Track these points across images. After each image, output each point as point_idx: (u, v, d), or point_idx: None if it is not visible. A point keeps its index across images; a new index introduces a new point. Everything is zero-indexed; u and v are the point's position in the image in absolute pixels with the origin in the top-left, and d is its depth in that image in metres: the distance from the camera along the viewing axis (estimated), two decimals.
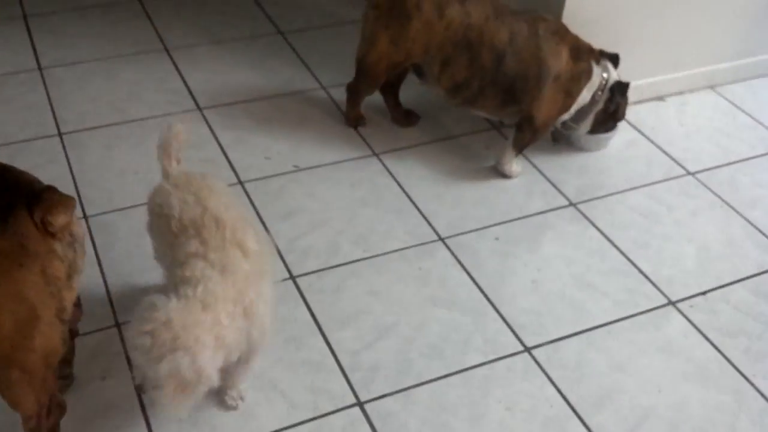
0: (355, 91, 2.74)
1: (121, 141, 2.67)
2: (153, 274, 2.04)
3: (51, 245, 1.48)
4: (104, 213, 2.38)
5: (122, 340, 1.99)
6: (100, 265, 2.21)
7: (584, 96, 2.53)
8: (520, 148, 2.61)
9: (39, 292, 1.48)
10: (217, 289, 1.58)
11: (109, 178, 2.51)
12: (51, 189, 1.53)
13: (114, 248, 2.26)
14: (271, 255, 1.86)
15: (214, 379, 1.56)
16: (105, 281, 2.16)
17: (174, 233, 1.70)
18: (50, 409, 1.62)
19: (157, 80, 2.98)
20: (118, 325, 2.04)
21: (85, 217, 2.35)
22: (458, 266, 2.30)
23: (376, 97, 2.75)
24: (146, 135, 2.69)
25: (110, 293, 2.13)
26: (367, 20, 2.56)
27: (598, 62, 2.53)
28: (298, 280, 2.22)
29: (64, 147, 2.62)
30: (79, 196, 2.42)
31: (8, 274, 1.43)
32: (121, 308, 2.09)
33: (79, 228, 1.60)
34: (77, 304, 1.76)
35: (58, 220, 1.47)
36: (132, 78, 2.98)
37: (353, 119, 2.81)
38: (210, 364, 1.53)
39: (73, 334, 1.86)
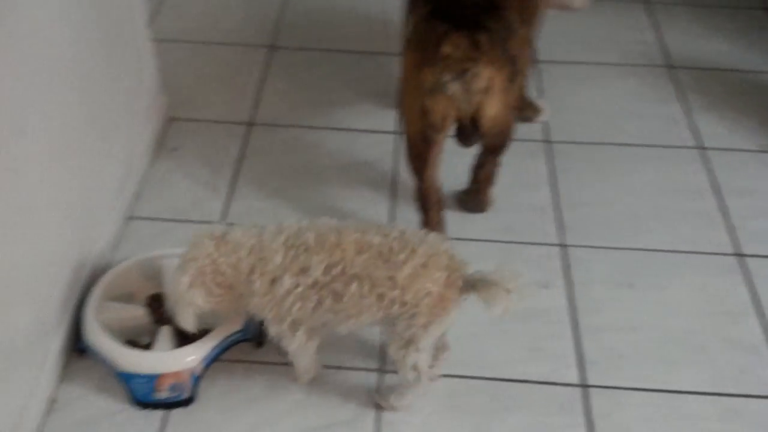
0: None
1: (588, 82, 2.74)
2: (607, 207, 2.13)
3: (436, 64, 1.80)
4: (566, 142, 2.48)
5: (563, 258, 2.10)
6: (554, 186, 2.33)
7: None
8: None
9: (410, 81, 1.89)
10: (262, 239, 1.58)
11: (574, 113, 2.60)
12: (462, 33, 1.79)
13: (569, 173, 2.37)
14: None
15: (197, 305, 1.60)
16: (557, 201, 2.28)
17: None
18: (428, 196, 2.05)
19: (631, 29, 2.99)
20: (562, 245, 2.14)
21: (549, 142, 2.49)
22: None
23: None
24: (611, 80, 2.75)
25: (561, 214, 2.24)
26: None
27: None
28: (746, 259, 2.13)
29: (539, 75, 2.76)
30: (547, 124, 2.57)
31: (407, 53, 1.93)
32: (569, 229, 2.19)
33: (474, 85, 1.81)
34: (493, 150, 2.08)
35: (443, 48, 1.78)
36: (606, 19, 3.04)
37: None
38: (190, 292, 1.58)
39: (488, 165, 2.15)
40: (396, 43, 2.27)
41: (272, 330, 1.64)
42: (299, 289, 1.55)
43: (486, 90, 1.82)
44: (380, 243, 1.55)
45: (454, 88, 1.81)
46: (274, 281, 1.56)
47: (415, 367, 1.64)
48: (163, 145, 2.41)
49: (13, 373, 1.61)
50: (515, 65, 1.87)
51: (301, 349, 1.68)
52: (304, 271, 1.54)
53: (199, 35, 2.88)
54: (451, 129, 1.92)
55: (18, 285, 1.59)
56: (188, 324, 1.65)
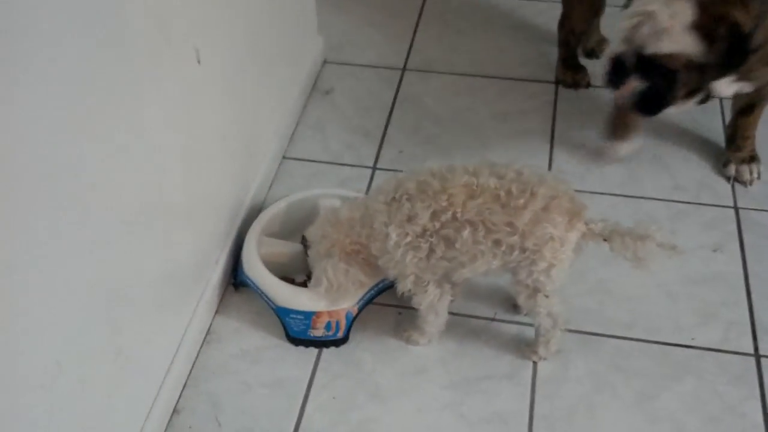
0: None
1: None
2: None
3: None
4: None
5: (736, 221, 1.96)
6: None
7: None
8: None
9: None
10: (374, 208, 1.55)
11: None
12: None
13: None
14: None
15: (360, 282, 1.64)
16: None
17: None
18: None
19: None
20: (736, 207, 2.00)
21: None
22: None
23: None
24: None
25: None
26: None
27: None
28: None
29: None
30: None
31: None
32: (743, 191, 2.04)
33: None
34: None
35: None
36: None
37: None
38: (350, 273, 1.61)
39: None
40: None
41: (400, 287, 1.61)
42: (408, 239, 1.51)
43: None
44: (495, 186, 1.47)
45: None
46: (385, 238, 1.54)
47: (549, 314, 1.59)
48: (317, 87, 2.40)
49: (174, 304, 1.64)
50: None
51: (432, 307, 1.64)
52: (410, 219, 1.50)
53: None
54: None
55: (183, 219, 1.61)
56: (354, 299, 1.68)
